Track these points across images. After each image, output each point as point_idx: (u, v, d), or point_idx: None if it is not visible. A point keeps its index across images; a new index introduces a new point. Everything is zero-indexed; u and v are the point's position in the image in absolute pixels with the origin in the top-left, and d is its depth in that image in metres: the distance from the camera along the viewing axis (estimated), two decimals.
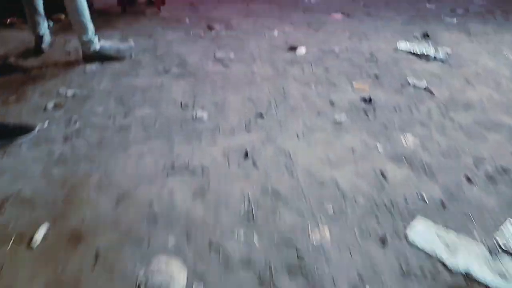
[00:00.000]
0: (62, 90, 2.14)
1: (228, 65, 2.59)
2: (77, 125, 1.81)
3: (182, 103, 2.04)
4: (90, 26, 2.45)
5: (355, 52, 2.81)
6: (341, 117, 1.94)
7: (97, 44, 2.53)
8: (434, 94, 2.18)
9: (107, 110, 1.95)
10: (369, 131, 1.83)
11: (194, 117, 1.90)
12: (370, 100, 2.10)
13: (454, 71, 2.48)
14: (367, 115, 1.97)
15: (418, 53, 2.76)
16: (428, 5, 4.09)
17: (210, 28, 3.31)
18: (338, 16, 3.74)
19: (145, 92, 2.15)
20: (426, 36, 3.14)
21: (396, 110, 2.02)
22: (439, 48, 2.85)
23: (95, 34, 2.51)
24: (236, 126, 1.84)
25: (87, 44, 2.48)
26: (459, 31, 3.30)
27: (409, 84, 2.30)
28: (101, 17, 3.58)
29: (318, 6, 4.07)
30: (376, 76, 2.40)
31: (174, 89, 2.19)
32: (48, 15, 3.26)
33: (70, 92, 2.11)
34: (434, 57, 2.69)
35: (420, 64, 2.58)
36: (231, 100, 2.09)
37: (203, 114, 1.92)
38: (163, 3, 3.97)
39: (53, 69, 2.44)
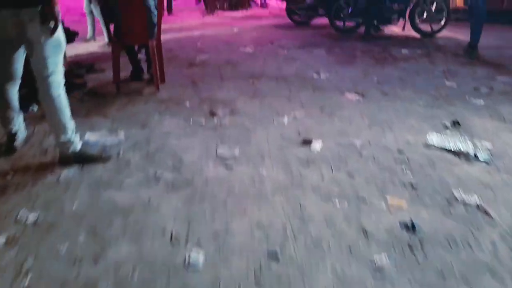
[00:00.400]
0: (23, 213, 1.70)
1: (231, 166, 2.17)
2: (28, 279, 1.34)
3: (173, 234, 1.59)
4: (70, 125, 2.09)
5: (380, 147, 2.41)
6: (382, 258, 1.47)
7: (78, 143, 2.15)
8: (491, 217, 1.73)
9: (73, 249, 1.49)
10: (423, 286, 1.35)
11: (186, 261, 1.44)
12: (413, 227, 1.65)
13: (506, 178, 2.05)
14: (414, 254, 1.50)
15: (455, 149, 2.35)
16: (447, 83, 3.79)
17: (212, 113, 2.96)
18: (352, 96, 3.42)
19: (127, 215, 1.70)
20: (456, 123, 2.77)
21: (450, 244, 1.55)
22: (476, 142, 2.45)
23: (75, 132, 2.14)
24: (243, 278, 1.36)
25: (65, 145, 2.09)
26: (491, 116, 2.93)
27: (456, 199, 1.85)
28: (93, 99, 3.28)
29: (329, 84, 3.78)
30: (413, 186, 1.97)
31: (164, 210, 1.75)
32: (34, 97, 2.96)
33: (32, 217, 1.67)
34: (475, 156, 2.28)
35: (461, 167, 2.16)
36: (235, 229, 1.63)
37: (198, 256, 1.46)
38: (162, 80, 3.71)
39: (21, 177, 2.03)
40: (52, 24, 1.82)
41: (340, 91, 3.52)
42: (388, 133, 2.61)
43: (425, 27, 6.00)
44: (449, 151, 2.35)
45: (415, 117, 2.90)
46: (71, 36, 3.98)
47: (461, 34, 6.11)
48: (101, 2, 3.06)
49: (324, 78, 3.97)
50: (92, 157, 2.15)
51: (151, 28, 3.30)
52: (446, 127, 2.73)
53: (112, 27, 3.45)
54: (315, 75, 4.06)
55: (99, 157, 2.17)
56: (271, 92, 3.49)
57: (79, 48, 5.16)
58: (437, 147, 2.40)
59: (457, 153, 2.32)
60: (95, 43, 5.55)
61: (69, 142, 2.09)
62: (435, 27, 5.95)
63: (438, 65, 4.43)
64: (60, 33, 1.91)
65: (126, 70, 3.84)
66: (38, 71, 1.93)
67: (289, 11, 7.17)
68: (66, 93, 3.29)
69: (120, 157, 2.26)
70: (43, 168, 2.12)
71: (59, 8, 1.82)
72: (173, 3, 8.51)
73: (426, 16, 5.93)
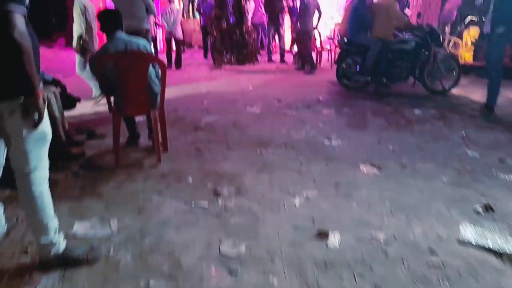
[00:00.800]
0: None
1: (237, 271, 1.87)
2: None
3: None
4: (53, 224, 1.82)
5: (408, 244, 2.09)
6: None
7: (62, 243, 1.87)
8: None
9: None
10: None
11: None
12: None
13: None
14: None
15: (495, 248, 2.03)
16: (469, 152, 3.52)
17: (216, 193, 2.70)
18: (368, 169, 3.15)
19: None
20: (489, 209, 2.47)
21: None
22: None
23: (59, 232, 1.87)
24: None
25: (47, 247, 1.82)
26: None
27: None
28: (89, 173, 3.05)
29: (341, 153, 3.54)
30: None
31: None
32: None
33: None
34: None
35: (509, 277, 1.83)
36: None
37: None
38: (165, 149, 3.50)
39: None
40: (36, 115, 1.62)
41: (354, 163, 3.26)
42: (414, 224, 2.30)
43: (436, 85, 5.86)
44: (489, 249, 2.03)
45: (442, 200, 2.60)
46: (72, 102, 3.86)
47: (472, 91, 5.96)
48: (98, 76, 2.93)
49: (336, 145, 3.74)
50: (77, 260, 1.87)
51: (153, 98, 3.14)
52: (478, 213, 2.43)
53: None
54: (326, 142, 3.84)
55: (84, 260, 1.88)
56: (280, 164, 3.25)
57: (85, 107, 5.07)
58: (474, 245, 2.08)
59: (499, 254, 1.99)
60: (101, 101, 5.45)
61: (51, 244, 1.82)
62: (446, 85, 5.81)
63: (456, 129, 4.20)
64: (45, 124, 1.70)
65: (126, 133, 3.67)
66: (18, 167, 1.70)
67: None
68: (62, 165, 3.15)
69: (110, 256, 1.97)
70: (20, 274, 1.83)
71: (43, 99, 1.62)
72: (182, 57, 8.60)
73: (436, 74, 5.81)
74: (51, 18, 11.27)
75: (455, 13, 7.25)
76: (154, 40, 8.58)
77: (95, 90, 5.51)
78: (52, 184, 2.74)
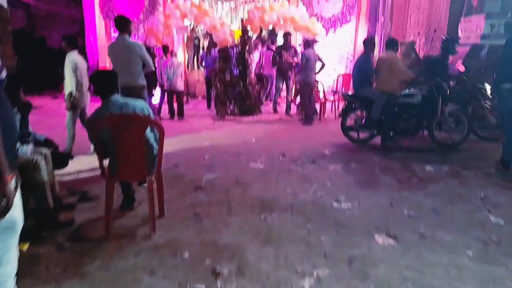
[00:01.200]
0: None
1: None
2: None
3: None
4: None
5: None
6: None
7: None
8: None
9: None
10: None
11: None
12: None
13: None
14: None
15: None
16: (492, 218, 3.23)
17: (215, 273, 2.39)
18: (383, 239, 2.86)
19: None
20: None
21: None
22: None
23: None
24: None
25: None
26: None
27: None
28: (76, 246, 2.77)
29: (353, 218, 3.25)
30: None
31: None
32: None
33: None
34: None
35: None
36: None
37: None
38: (161, 214, 3.24)
39: None
40: (3, 203, 1.39)
41: (368, 232, 2.97)
42: None
43: (445, 139, 5.66)
44: None
45: (471, 281, 2.29)
46: (64, 160, 3.66)
47: (484, 144, 5.75)
48: (93, 140, 2.76)
49: (346, 208, 3.47)
50: None
51: (151, 163, 2.93)
52: None
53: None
54: (335, 204, 3.57)
55: None
56: (286, 233, 2.96)
57: (83, 163, 4.87)
58: None
59: None
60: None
61: None
62: (456, 139, 5.60)
63: (473, 190, 3.93)
64: (15, 211, 1.47)
65: (121, 195, 3.42)
66: None
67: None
68: (48, 235, 2.87)
69: None
70: None
71: (12, 185, 1.40)
72: (184, 107, 8.56)
73: (445, 127, 5.63)
74: (58, 69, 11.50)
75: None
76: (164, 88, 8.50)
77: (68, 147, 5.29)
78: (33, 260, 2.52)
